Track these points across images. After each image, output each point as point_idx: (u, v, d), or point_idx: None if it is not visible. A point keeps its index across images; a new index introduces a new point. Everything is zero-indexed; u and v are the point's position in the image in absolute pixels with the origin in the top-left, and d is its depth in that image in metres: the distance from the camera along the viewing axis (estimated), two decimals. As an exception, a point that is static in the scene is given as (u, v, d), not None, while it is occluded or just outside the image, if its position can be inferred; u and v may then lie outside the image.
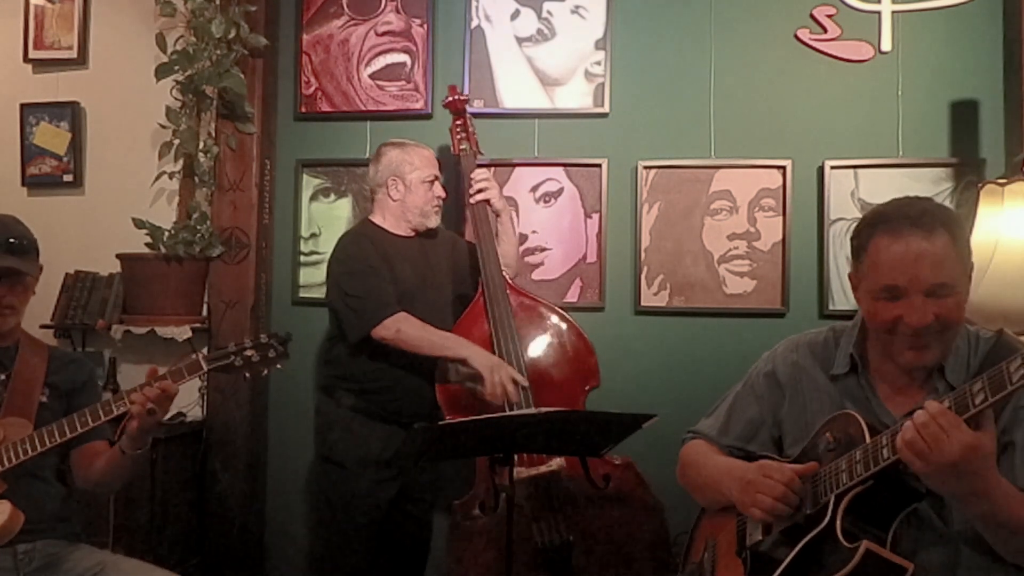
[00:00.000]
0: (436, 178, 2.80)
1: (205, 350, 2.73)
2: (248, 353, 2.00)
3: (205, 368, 1.98)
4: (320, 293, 3.19)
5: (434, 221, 2.82)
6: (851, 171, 3.04)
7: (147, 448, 2.02)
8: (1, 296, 2.03)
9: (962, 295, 1.47)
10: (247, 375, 2.03)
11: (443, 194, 2.83)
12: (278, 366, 2.04)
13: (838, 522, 1.39)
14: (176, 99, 3.22)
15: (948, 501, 1.43)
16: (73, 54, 3.42)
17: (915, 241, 1.43)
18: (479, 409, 2.56)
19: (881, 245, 1.47)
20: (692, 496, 1.80)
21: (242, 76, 3.16)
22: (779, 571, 1.45)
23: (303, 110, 3.37)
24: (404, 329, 2.59)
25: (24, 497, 1.98)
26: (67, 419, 1.95)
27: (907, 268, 1.44)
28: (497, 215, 2.89)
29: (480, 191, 2.86)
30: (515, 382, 2.54)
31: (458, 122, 2.98)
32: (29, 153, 3.45)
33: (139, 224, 3.16)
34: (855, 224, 1.59)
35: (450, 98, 2.99)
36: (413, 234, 2.81)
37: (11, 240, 2.04)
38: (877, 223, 1.50)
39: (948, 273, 1.44)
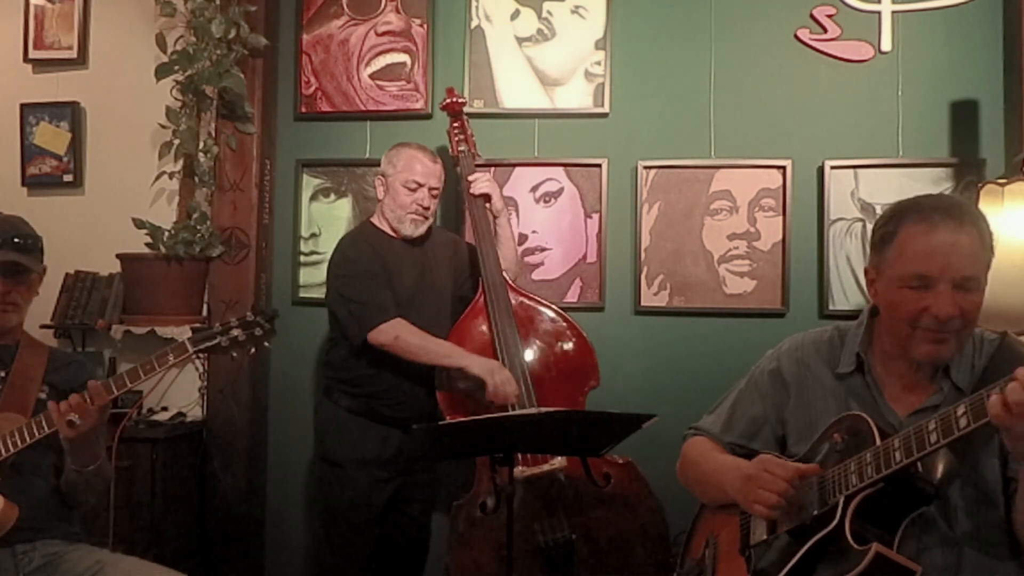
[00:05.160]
0: (420, 186, 2.71)
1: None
2: (234, 332, 1.97)
3: (191, 350, 1.94)
4: (320, 293, 3.18)
5: (409, 228, 2.73)
6: (851, 171, 3.04)
7: (93, 467, 1.99)
8: (5, 292, 2.04)
9: (983, 293, 1.46)
10: (234, 355, 2.01)
11: (427, 204, 2.73)
12: (266, 344, 2.01)
13: (847, 524, 1.39)
14: (176, 99, 3.22)
15: (954, 503, 1.43)
16: (73, 54, 3.42)
17: (948, 231, 1.43)
18: (480, 411, 2.57)
19: (913, 233, 1.46)
20: (692, 492, 1.80)
21: (242, 76, 3.16)
22: (785, 571, 1.45)
23: (303, 110, 3.37)
24: (402, 336, 2.59)
25: (23, 495, 1.97)
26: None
27: (939, 257, 1.42)
28: (496, 216, 2.87)
29: (480, 187, 2.84)
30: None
31: (455, 124, 2.97)
32: (29, 153, 3.45)
33: (139, 224, 3.16)
34: (879, 217, 1.57)
35: (447, 100, 2.98)
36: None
37: (16, 239, 2.05)
38: (908, 212, 1.49)
39: (976, 267, 1.44)
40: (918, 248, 1.45)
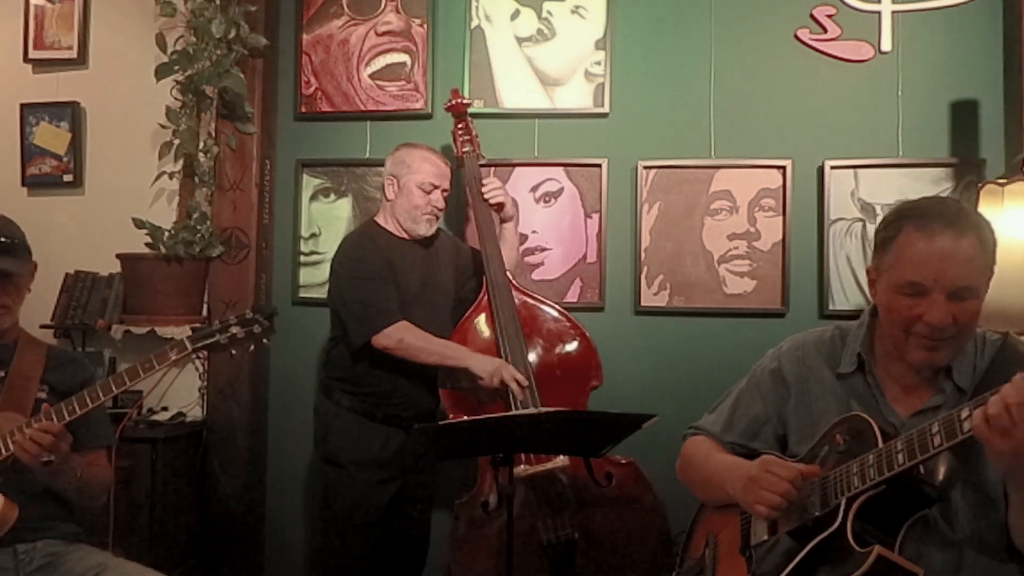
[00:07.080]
0: (435, 187, 2.73)
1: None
2: (233, 330, 1.97)
3: (191, 348, 1.95)
4: (320, 293, 3.19)
5: (425, 228, 2.75)
6: (851, 171, 3.04)
7: (74, 485, 1.98)
8: None
9: (981, 301, 1.46)
10: (233, 353, 2.01)
11: (441, 205, 2.77)
12: (265, 342, 2.02)
13: (849, 525, 1.38)
14: (176, 99, 3.22)
15: (955, 505, 1.43)
16: (73, 54, 3.42)
17: (946, 241, 1.42)
18: (483, 410, 2.57)
19: (911, 239, 1.45)
20: (692, 492, 1.80)
21: (242, 76, 3.16)
22: (786, 572, 1.45)
23: (303, 110, 3.36)
24: (406, 339, 2.59)
25: (23, 495, 1.96)
26: (55, 408, 1.93)
27: (934, 267, 1.42)
28: (505, 221, 2.90)
29: (496, 196, 2.86)
30: (518, 382, 2.55)
31: (460, 125, 2.97)
32: (29, 153, 3.45)
33: (139, 224, 3.16)
34: (881, 218, 1.56)
35: (452, 101, 2.98)
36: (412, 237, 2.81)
37: (2, 240, 2.01)
38: (909, 217, 1.48)
39: (973, 277, 1.43)
40: (914, 256, 1.44)
